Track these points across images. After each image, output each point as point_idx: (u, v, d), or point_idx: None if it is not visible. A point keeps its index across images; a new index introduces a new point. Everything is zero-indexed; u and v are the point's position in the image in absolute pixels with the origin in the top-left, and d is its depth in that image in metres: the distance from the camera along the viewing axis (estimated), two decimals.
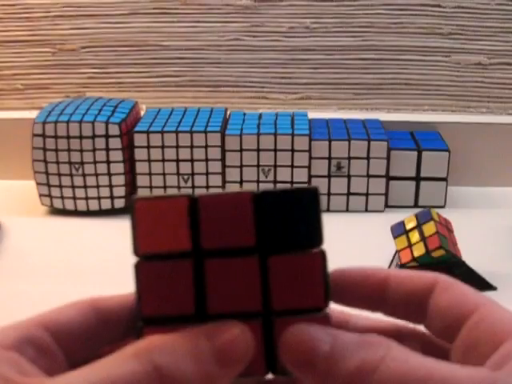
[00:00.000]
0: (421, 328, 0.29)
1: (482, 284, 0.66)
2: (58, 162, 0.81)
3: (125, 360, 0.23)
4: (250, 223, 0.25)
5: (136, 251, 0.25)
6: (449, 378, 0.23)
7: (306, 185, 0.26)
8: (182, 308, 0.25)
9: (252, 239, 0.25)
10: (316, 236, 0.26)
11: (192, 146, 0.82)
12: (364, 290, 0.28)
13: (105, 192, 0.82)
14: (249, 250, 0.25)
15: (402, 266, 0.65)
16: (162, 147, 0.82)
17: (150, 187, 0.83)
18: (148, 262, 0.25)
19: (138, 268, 0.25)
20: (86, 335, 0.28)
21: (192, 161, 0.83)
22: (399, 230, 0.67)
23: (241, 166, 0.83)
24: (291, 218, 0.25)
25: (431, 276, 0.28)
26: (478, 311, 0.26)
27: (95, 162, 0.81)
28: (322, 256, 0.26)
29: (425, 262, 0.64)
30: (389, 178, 0.84)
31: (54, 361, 0.26)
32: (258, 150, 0.82)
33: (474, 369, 0.24)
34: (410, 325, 0.30)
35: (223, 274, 0.25)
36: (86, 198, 0.83)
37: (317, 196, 0.26)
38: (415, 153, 0.84)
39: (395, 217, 0.70)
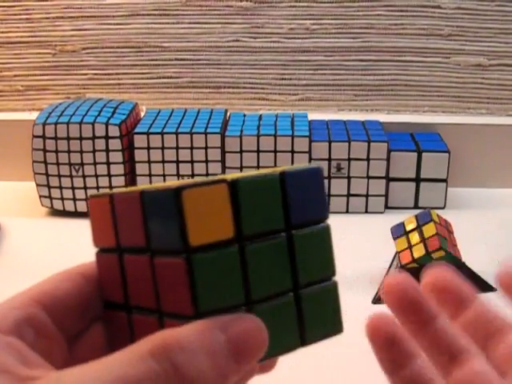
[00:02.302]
0: None
1: (482, 285, 0.66)
2: (58, 164, 0.81)
3: (141, 358, 0.22)
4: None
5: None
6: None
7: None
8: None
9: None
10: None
11: (192, 148, 0.82)
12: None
13: None
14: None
15: (403, 266, 0.65)
16: (162, 148, 0.82)
17: None
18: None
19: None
20: (82, 307, 0.27)
21: (192, 162, 0.83)
22: (399, 231, 0.67)
23: (241, 168, 0.83)
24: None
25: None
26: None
27: (95, 164, 0.81)
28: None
29: (425, 263, 0.64)
30: (389, 179, 0.84)
31: (54, 341, 0.26)
32: (258, 152, 0.82)
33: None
34: None
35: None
36: (86, 199, 0.83)
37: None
38: (415, 154, 0.84)
39: (395, 218, 0.70)
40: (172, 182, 0.26)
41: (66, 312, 0.27)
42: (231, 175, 0.26)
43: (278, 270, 0.26)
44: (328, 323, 0.28)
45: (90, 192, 0.82)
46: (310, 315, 0.27)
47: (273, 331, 0.25)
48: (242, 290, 0.25)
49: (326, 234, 0.28)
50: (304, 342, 0.27)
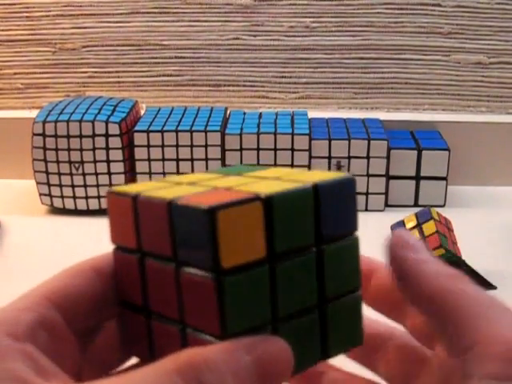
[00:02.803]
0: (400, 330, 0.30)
1: (481, 283, 0.66)
2: (58, 162, 0.81)
3: (167, 375, 0.22)
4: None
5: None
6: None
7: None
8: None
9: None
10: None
11: (192, 146, 0.82)
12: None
13: (105, 191, 0.82)
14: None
15: None
16: (162, 146, 0.82)
17: None
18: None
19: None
20: (95, 303, 0.27)
21: (192, 160, 0.83)
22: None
23: None
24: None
25: None
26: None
27: (95, 161, 0.81)
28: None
29: None
30: (389, 177, 0.84)
31: (66, 343, 0.26)
32: (258, 150, 0.82)
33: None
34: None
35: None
36: (86, 197, 0.83)
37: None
38: (415, 152, 0.84)
39: (395, 216, 0.70)
40: (194, 187, 0.25)
41: (78, 310, 0.26)
42: (258, 185, 0.25)
43: (305, 286, 0.25)
44: (351, 336, 0.27)
45: (90, 190, 0.82)
46: (335, 329, 0.27)
47: (297, 348, 0.24)
48: (269, 309, 0.25)
49: (354, 246, 0.27)
50: (327, 355, 0.27)
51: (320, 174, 0.27)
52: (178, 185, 0.27)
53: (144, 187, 0.26)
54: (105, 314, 0.28)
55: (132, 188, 0.26)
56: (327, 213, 0.26)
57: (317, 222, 0.25)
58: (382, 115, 0.92)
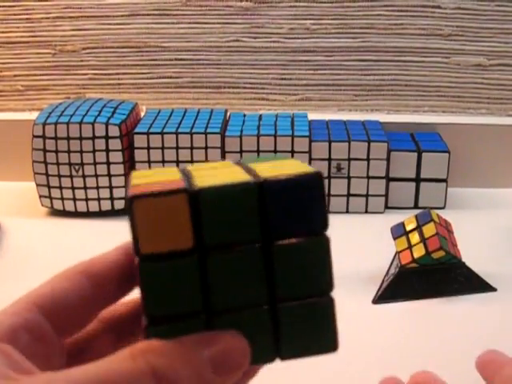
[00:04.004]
0: None
1: (481, 285, 0.66)
2: (58, 164, 0.81)
3: (121, 360, 0.24)
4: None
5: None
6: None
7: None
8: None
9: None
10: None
11: (192, 148, 0.82)
12: None
13: (105, 193, 0.82)
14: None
15: (403, 266, 0.65)
16: (162, 148, 0.82)
17: None
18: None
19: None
20: (83, 305, 0.27)
21: (192, 162, 0.83)
22: (399, 231, 0.67)
23: None
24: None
25: None
26: None
27: (95, 164, 0.81)
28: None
29: (425, 263, 0.64)
30: (389, 179, 0.84)
31: (51, 346, 0.26)
32: (258, 152, 0.82)
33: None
34: None
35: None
36: (86, 200, 0.83)
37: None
38: (415, 154, 0.84)
39: (395, 218, 0.70)
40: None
41: (65, 313, 0.27)
42: (210, 178, 0.25)
43: (249, 282, 0.25)
44: (319, 340, 0.27)
45: (90, 192, 0.82)
46: (292, 330, 0.26)
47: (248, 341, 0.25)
48: (199, 299, 0.25)
49: (320, 247, 0.26)
50: (282, 355, 0.26)
51: (292, 168, 0.26)
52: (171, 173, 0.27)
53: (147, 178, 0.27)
54: (91, 314, 0.28)
55: (144, 181, 0.27)
56: (277, 210, 0.25)
57: (264, 219, 0.25)
58: (382, 117, 0.92)
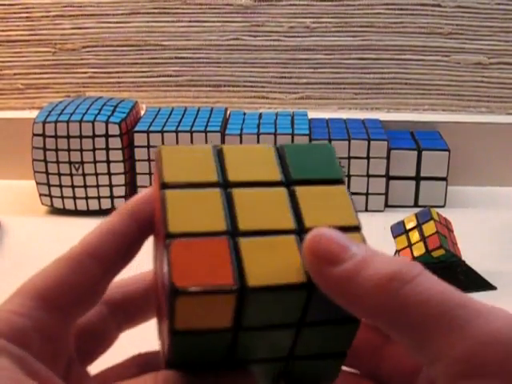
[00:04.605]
0: None
1: (481, 284, 0.66)
2: (58, 162, 0.81)
3: None
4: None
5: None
6: (467, 303, 0.22)
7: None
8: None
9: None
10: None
11: None
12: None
13: (105, 191, 0.82)
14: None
15: None
16: None
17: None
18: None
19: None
20: (94, 292, 0.26)
21: None
22: (399, 230, 0.67)
23: None
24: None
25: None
26: None
27: (95, 162, 0.81)
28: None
29: (425, 262, 0.64)
30: (389, 177, 0.84)
31: (57, 345, 0.26)
32: None
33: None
34: None
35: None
36: (86, 198, 0.83)
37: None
38: (415, 152, 0.84)
39: (395, 216, 0.70)
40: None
41: (72, 299, 0.26)
42: (256, 264, 0.23)
43: (272, 350, 0.25)
44: (323, 378, 0.27)
45: (90, 191, 0.82)
46: (297, 374, 0.27)
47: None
48: (220, 359, 0.25)
49: (345, 331, 0.25)
50: None
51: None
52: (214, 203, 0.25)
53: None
54: (98, 300, 0.27)
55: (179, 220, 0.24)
56: (318, 304, 0.24)
57: (305, 309, 0.24)
58: (382, 116, 0.92)
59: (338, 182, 0.27)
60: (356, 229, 0.25)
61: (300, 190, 0.26)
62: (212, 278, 0.23)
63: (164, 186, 0.25)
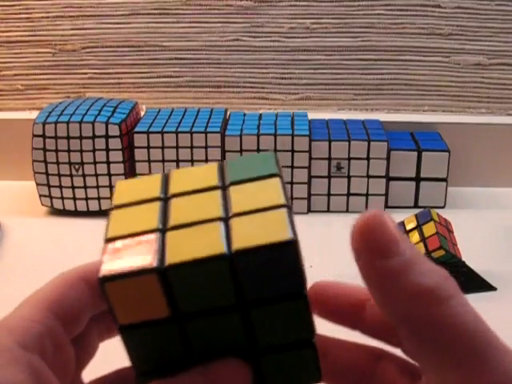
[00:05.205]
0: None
1: (481, 284, 0.66)
2: (58, 163, 0.81)
3: None
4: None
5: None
6: (495, 340, 0.23)
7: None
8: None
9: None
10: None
11: (192, 147, 0.82)
12: (344, 307, 0.28)
13: (105, 192, 0.82)
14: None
15: None
16: (162, 148, 0.82)
17: None
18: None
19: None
20: (84, 311, 0.27)
21: (192, 161, 0.83)
22: None
23: None
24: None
25: None
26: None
27: (95, 163, 0.81)
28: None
29: None
30: (389, 178, 0.84)
31: (66, 354, 0.26)
32: (258, 151, 0.82)
33: None
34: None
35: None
36: (86, 199, 0.83)
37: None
38: (415, 153, 0.84)
39: (395, 217, 0.70)
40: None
41: (73, 320, 0.26)
42: (175, 238, 0.25)
43: (229, 340, 0.26)
44: (300, 377, 0.27)
45: (90, 192, 0.82)
46: (275, 379, 0.27)
47: None
48: (181, 354, 0.26)
49: (296, 309, 0.25)
50: None
51: (270, 227, 0.24)
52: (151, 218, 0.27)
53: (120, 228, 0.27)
54: (87, 320, 0.28)
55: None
56: (250, 279, 0.24)
57: (238, 286, 0.24)
58: (382, 116, 0.92)
59: (272, 176, 0.27)
60: (283, 206, 0.25)
61: (233, 188, 0.27)
62: (136, 264, 0.24)
63: (112, 209, 0.28)
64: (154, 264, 0.24)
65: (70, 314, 0.26)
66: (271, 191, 0.26)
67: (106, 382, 0.29)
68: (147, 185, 0.28)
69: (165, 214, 0.26)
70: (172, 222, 0.26)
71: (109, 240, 0.26)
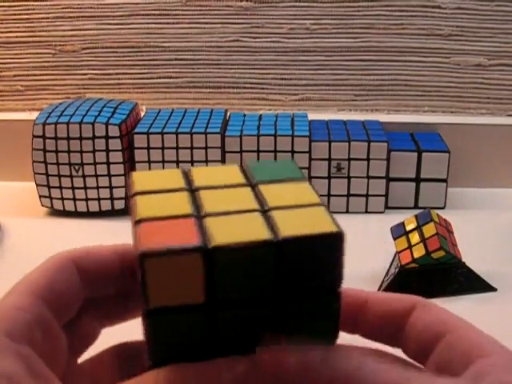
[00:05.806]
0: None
1: (481, 285, 0.66)
2: (58, 164, 0.81)
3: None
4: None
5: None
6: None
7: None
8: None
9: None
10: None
11: (192, 148, 0.82)
12: (343, 312, 0.28)
13: (105, 193, 0.82)
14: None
15: (402, 267, 0.65)
16: (162, 148, 0.82)
17: None
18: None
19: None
20: (74, 296, 0.27)
21: (192, 162, 0.83)
22: (399, 231, 0.67)
23: None
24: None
25: (409, 299, 0.27)
26: (452, 333, 0.26)
27: (95, 164, 0.81)
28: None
29: (425, 263, 0.64)
30: (389, 179, 0.84)
31: (57, 341, 0.26)
32: (258, 151, 0.82)
33: (452, 379, 0.24)
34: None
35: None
36: (86, 200, 0.83)
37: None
38: (415, 154, 0.84)
39: (395, 218, 0.70)
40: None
41: (63, 305, 0.26)
42: (214, 222, 0.24)
43: (254, 332, 0.25)
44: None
45: (90, 192, 0.82)
46: None
47: None
48: (204, 349, 0.25)
49: (328, 304, 0.25)
50: None
51: (314, 220, 0.24)
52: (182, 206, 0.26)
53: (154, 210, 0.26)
54: (79, 306, 0.27)
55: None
56: (292, 268, 0.24)
57: (279, 275, 0.24)
58: (382, 117, 0.92)
59: (300, 179, 0.27)
60: (319, 205, 0.26)
61: (263, 187, 0.27)
62: (178, 241, 0.23)
63: (135, 194, 0.27)
64: (200, 243, 0.23)
65: (59, 299, 0.26)
66: (303, 192, 0.27)
67: (104, 359, 0.29)
68: (168, 177, 0.28)
69: (195, 203, 0.26)
70: (207, 210, 0.25)
71: (141, 221, 0.25)
